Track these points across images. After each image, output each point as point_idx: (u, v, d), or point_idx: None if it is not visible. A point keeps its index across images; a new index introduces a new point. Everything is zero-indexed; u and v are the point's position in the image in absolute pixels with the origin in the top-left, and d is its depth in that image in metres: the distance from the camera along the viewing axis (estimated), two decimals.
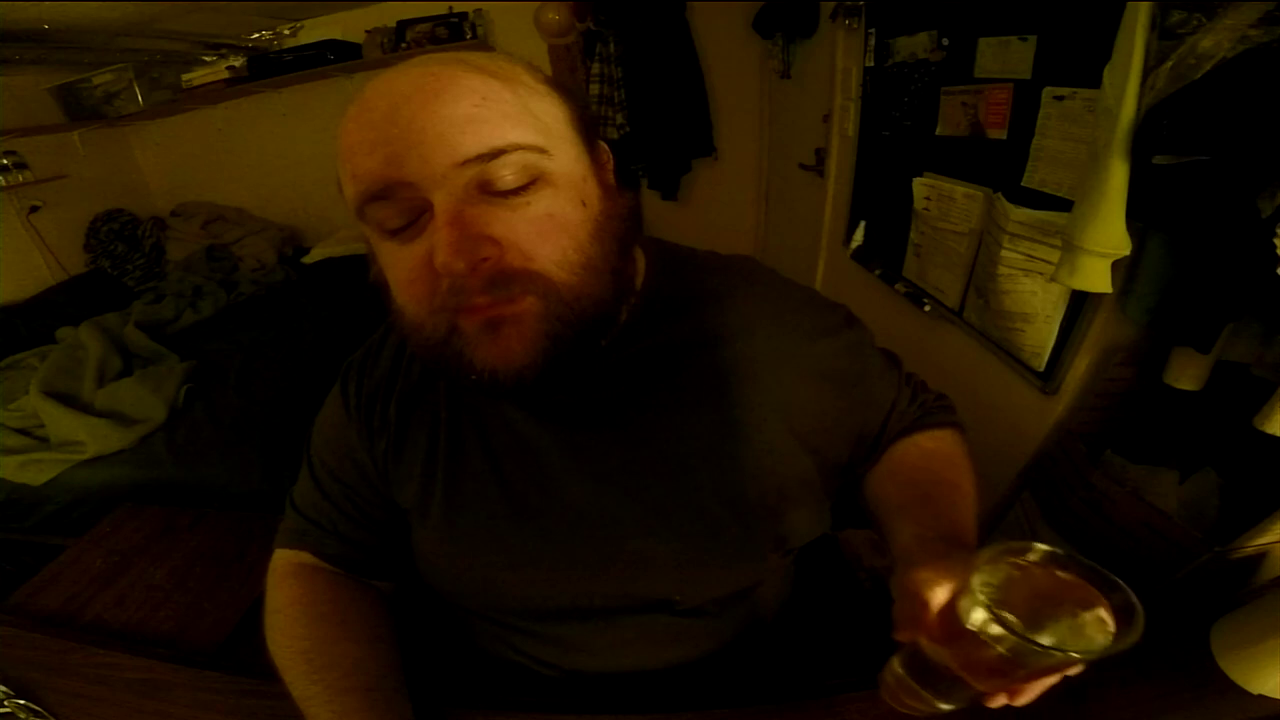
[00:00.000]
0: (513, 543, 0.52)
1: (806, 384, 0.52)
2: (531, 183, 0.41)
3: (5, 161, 2.17)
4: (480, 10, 2.52)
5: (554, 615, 0.54)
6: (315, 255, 2.81)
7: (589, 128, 0.47)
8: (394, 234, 0.42)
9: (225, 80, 2.53)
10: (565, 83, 0.48)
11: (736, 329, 0.52)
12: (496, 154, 0.39)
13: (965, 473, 0.54)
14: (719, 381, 0.51)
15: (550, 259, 0.41)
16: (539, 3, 2.44)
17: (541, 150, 0.41)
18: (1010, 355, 1.11)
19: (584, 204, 0.44)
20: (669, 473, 0.50)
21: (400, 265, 0.42)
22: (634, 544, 0.50)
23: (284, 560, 0.60)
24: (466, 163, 0.39)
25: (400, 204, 0.40)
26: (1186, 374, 0.82)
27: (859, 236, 1.72)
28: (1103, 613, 0.32)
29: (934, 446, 0.58)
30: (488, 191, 0.40)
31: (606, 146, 0.50)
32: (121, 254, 2.56)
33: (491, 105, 0.40)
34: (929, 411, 0.61)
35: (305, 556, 0.59)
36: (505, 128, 0.40)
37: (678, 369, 0.51)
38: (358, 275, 2.48)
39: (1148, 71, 0.70)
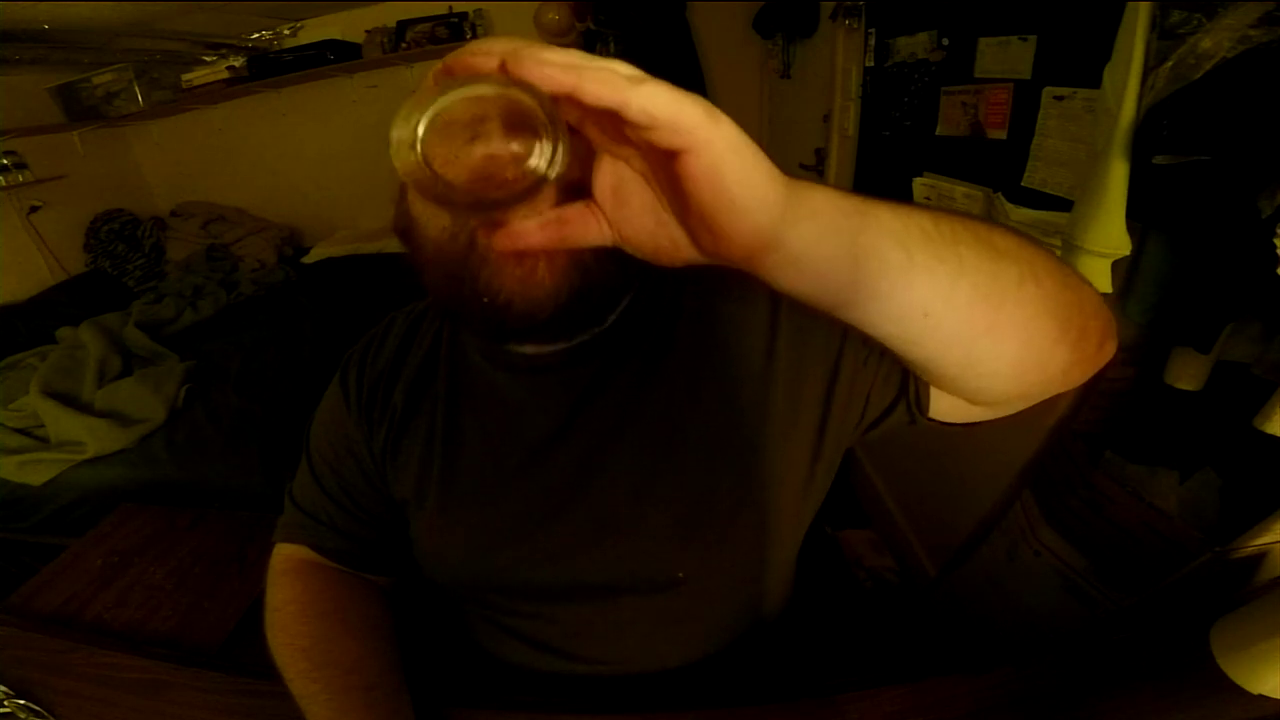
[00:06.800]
0: (508, 520, 0.53)
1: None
2: None
3: (5, 161, 2.17)
4: (480, 10, 2.52)
5: (555, 595, 0.54)
6: (315, 255, 2.81)
7: None
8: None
9: (225, 80, 2.53)
10: None
11: (728, 304, 0.52)
12: None
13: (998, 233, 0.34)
14: (709, 355, 0.51)
15: None
16: (539, 3, 2.44)
17: None
18: None
19: None
20: (660, 443, 0.50)
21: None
22: (627, 510, 0.50)
23: (284, 556, 0.60)
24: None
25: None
26: (1186, 374, 0.82)
27: None
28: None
29: None
30: None
31: None
32: (121, 254, 2.56)
33: None
34: None
35: (304, 551, 0.60)
36: None
37: (668, 346, 0.52)
38: (358, 275, 2.49)
39: (1148, 71, 0.70)
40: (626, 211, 0.31)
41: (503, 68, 0.24)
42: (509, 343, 0.52)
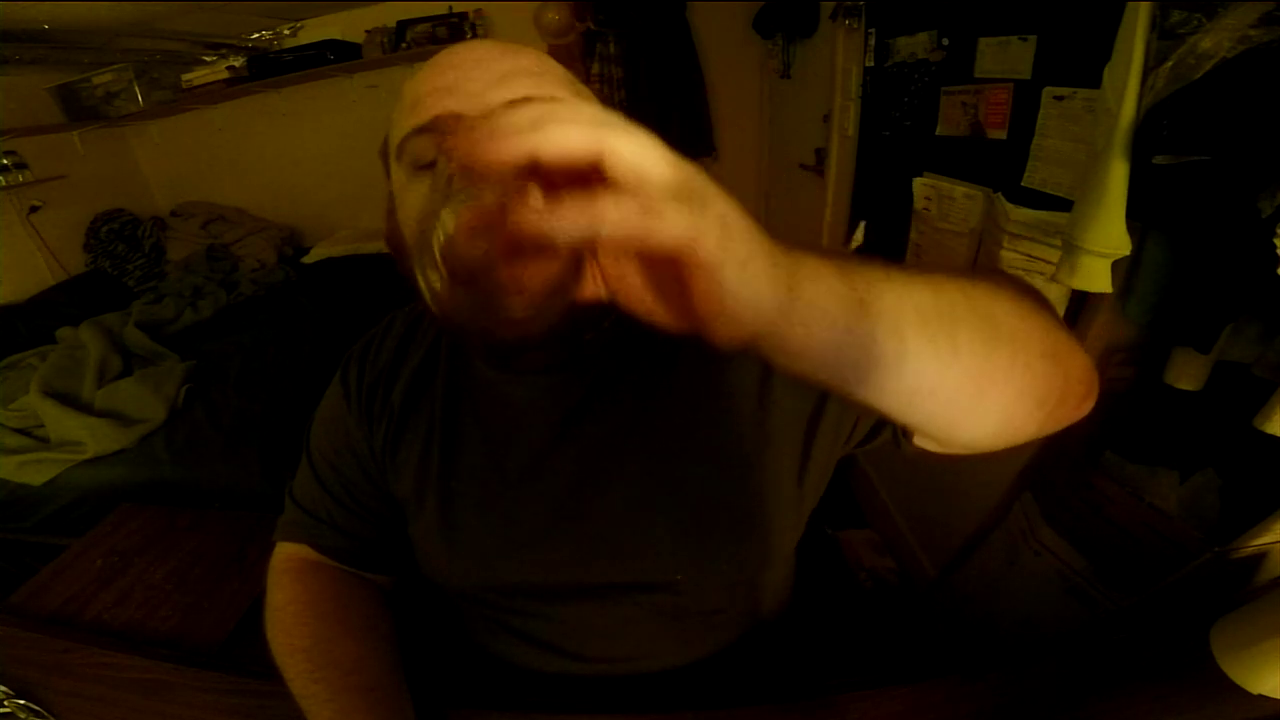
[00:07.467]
0: (510, 527, 0.53)
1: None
2: None
3: (5, 161, 2.16)
4: (480, 10, 2.52)
5: (555, 595, 0.54)
6: (315, 255, 2.81)
7: None
8: (428, 167, 0.43)
9: (225, 80, 2.53)
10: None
11: None
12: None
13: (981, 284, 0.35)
14: (711, 369, 0.51)
15: None
16: (539, 2, 2.44)
17: None
18: None
19: None
20: (662, 455, 0.51)
21: (424, 199, 0.43)
22: (629, 519, 0.51)
23: (284, 556, 0.60)
24: (515, 102, 0.39)
25: (442, 136, 0.42)
26: (1186, 374, 0.82)
27: (859, 237, 1.72)
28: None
29: None
30: None
31: None
32: (121, 254, 2.56)
33: (549, 69, 0.47)
34: None
35: (305, 551, 0.60)
36: (557, 87, 0.46)
37: (670, 356, 0.52)
38: (358, 275, 2.48)
39: (1148, 71, 0.70)
40: (623, 285, 0.30)
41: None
42: (503, 358, 0.53)
